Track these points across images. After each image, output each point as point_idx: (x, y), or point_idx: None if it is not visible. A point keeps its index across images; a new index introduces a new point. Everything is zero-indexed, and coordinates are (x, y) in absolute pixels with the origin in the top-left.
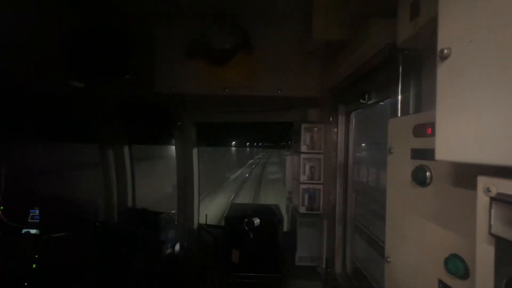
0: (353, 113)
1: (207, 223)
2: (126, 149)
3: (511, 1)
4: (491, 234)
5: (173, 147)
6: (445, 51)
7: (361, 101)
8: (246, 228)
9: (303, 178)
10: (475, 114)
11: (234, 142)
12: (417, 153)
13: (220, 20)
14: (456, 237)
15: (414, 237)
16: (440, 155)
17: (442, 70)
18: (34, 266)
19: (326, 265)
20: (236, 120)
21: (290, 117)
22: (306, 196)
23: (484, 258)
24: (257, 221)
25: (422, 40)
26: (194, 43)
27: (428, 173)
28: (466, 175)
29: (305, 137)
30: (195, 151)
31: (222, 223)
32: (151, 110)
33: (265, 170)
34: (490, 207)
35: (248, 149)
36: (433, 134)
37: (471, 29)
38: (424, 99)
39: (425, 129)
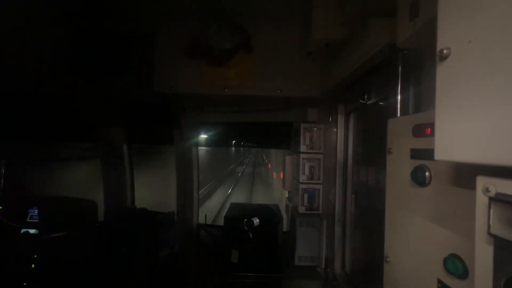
0: (352, 113)
1: (207, 223)
2: (126, 149)
3: (510, 1)
4: (490, 234)
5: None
6: (445, 51)
7: (361, 101)
8: (245, 228)
9: (302, 178)
10: (474, 114)
11: (233, 142)
12: (416, 153)
13: (220, 20)
14: (455, 237)
15: (414, 237)
16: (439, 155)
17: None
18: (33, 266)
19: (326, 265)
20: (236, 120)
21: (290, 117)
22: (306, 196)
23: (483, 258)
24: (256, 221)
25: (422, 40)
26: (194, 43)
27: (427, 173)
28: (465, 175)
29: (305, 137)
30: (195, 151)
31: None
32: (151, 110)
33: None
34: (489, 207)
35: (247, 148)
36: (432, 134)
37: (471, 30)
38: (424, 99)
39: (424, 129)
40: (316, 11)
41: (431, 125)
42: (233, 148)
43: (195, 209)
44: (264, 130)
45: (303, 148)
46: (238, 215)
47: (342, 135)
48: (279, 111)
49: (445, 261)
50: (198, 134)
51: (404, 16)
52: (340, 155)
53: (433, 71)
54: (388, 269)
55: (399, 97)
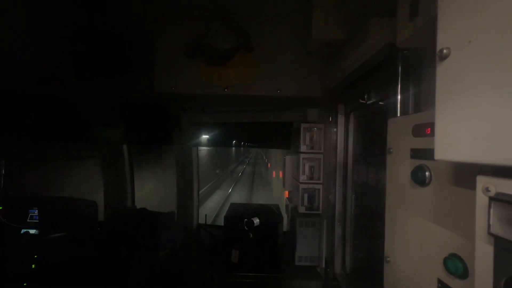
0: (352, 113)
1: (207, 223)
2: (126, 149)
3: (510, 1)
4: (490, 234)
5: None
6: (445, 51)
7: (361, 101)
8: (246, 228)
9: (302, 178)
10: (474, 114)
11: (233, 142)
12: (416, 153)
13: (220, 20)
14: (456, 236)
15: (414, 237)
16: (439, 155)
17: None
18: (33, 266)
19: (326, 265)
20: (235, 120)
21: (289, 117)
22: (306, 196)
23: (483, 257)
24: (256, 221)
25: (422, 40)
26: (193, 43)
27: (427, 173)
28: (465, 174)
29: (305, 137)
30: (195, 151)
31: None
32: (151, 110)
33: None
34: (489, 206)
35: (246, 149)
36: (432, 134)
37: (471, 29)
38: (423, 99)
39: (424, 129)
40: (316, 11)
41: (431, 125)
42: (220, 149)
43: (195, 209)
44: (264, 130)
45: (303, 148)
46: (238, 215)
47: (342, 135)
48: (279, 111)
49: (445, 261)
50: (198, 134)
51: (404, 16)
52: (340, 155)
53: (433, 71)
54: (388, 269)
55: (399, 97)
